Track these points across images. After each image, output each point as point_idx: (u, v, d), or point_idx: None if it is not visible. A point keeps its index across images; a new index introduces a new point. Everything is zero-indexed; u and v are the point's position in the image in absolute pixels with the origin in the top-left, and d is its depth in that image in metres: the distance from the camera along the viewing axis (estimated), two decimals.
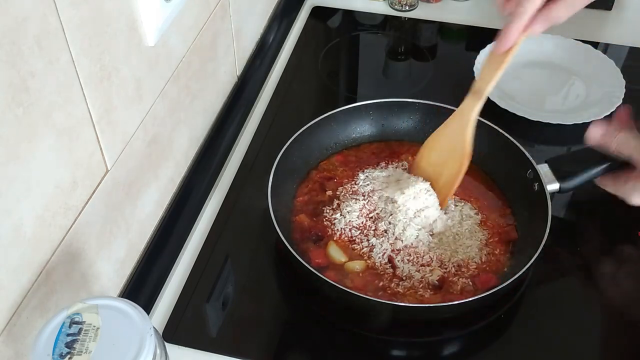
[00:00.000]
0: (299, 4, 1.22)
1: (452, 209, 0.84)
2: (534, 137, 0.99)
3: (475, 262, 0.79)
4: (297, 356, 0.77)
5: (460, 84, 1.07)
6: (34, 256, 0.57)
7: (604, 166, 0.81)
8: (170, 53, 0.76)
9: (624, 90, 1.01)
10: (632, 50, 1.13)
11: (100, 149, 0.64)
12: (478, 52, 1.07)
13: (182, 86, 0.80)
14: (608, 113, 0.98)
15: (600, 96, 1.02)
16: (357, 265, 0.78)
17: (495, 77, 0.74)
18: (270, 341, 0.77)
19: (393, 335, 0.75)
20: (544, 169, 0.83)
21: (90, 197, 0.64)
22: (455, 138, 0.81)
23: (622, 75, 1.03)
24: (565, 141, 0.99)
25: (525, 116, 0.98)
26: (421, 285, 0.76)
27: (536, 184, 0.82)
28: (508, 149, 0.86)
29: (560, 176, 0.82)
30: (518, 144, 0.85)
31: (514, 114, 0.98)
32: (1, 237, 0.52)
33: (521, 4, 0.68)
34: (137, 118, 0.71)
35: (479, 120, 0.85)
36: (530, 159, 0.84)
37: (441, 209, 0.83)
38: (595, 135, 0.79)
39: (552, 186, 0.82)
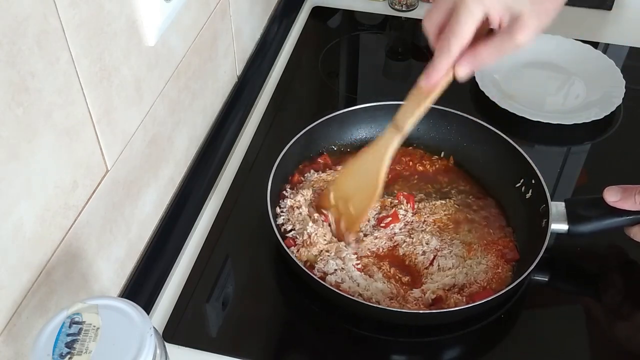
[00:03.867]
0: (299, 4, 1.22)
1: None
2: (534, 138, 0.99)
3: (478, 283, 0.77)
4: (297, 356, 0.77)
5: (460, 84, 1.08)
6: (34, 256, 0.57)
7: (622, 219, 0.77)
8: (170, 53, 0.76)
9: (624, 90, 1.01)
10: (632, 50, 1.13)
11: (100, 149, 0.64)
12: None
13: (182, 86, 0.80)
14: (608, 113, 0.98)
15: (600, 96, 1.02)
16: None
17: (416, 113, 0.70)
18: (270, 341, 0.77)
19: (392, 336, 0.75)
20: (558, 207, 0.79)
21: (90, 197, 0.64)
22: (369, 171, 0.78)
23: (622, 75, 1.03)
24: (565, 141, 0.99)
25: (525, 116, 0.98)
26: (415, 302, 0.76)
27: (544, 221, 0.78)
28: (531, 178, 0.83)
29: (573, 218, 0.78)
30: (541, 178, 0.82)
31: (514, 114, 0.98)
32: (1, 237, 0.52)
33: (447, 39, 0.63)
34: (137, 118, 0.71)
35: (510, 144, 0.86)
36: (548, 195, 0.80)
37: (345, 243, 0.80)
38: (611, 200, 0.76)
39: (560, 226, 0.78)
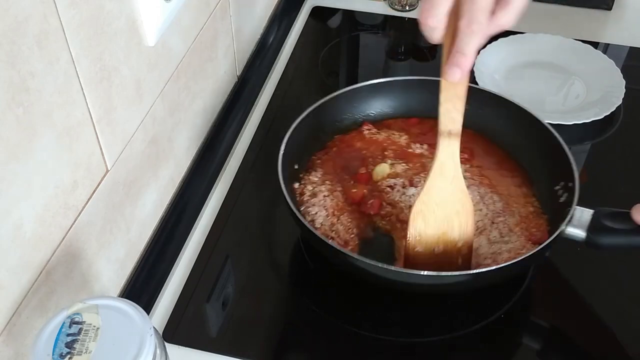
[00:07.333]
0: (299, 4, 1.22)
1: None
2: None
3: (497, 262, 0.76)
4: (297, 356, 0.77)
5: None
6: (34, 256, 0.57)
7: None
8: (170, 53, 0.76)
9: (624, 90, 1.01)
10: (632, 50, 1.13)
11: (100, 149, 0.64)
12: (478, 52, 1.07)
13: (182, 86, 0.80)
14: (608, 113, 0.98)
15: (600, 96, 1.02)
16: None
17: (463, 108, 0.66)
18: (270, 341, 0.77)
19: (392, 336, 0.75)
20: (583, 214, 0.74)
21: (90, 197, 0.64)
22: (451, 197, 0.72)
23: (622, 75, 1.03)
24: (565, 141, 0.99)
25: None
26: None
27: (565, 224, 0.74)
28: (568, 181, 0.80)
29: (596, 228, 0.73)
30: (577, 182, 0.78)
31: None
32: (1, 237, 0.52)
33: (469, 18, 0.58)
34: (137, 118, 0.71)
35: (560, 146, 0.83)
36: (576, 197, 0.75)
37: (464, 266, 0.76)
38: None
39: (577, 232, 0.74)
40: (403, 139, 0.91)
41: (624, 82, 1.02)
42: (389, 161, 0.87)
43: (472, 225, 0.74)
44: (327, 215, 0.81)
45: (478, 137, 0.90)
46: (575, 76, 1.07)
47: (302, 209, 0.81)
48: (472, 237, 0.75)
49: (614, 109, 0.99)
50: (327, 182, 0.85)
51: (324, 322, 0.77)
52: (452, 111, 0.66)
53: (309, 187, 0.84)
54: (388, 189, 0.84)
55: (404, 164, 0.87)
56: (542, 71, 1.08)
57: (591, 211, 0.75)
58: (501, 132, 0.90)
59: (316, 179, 0.86)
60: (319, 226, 0.80)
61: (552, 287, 0.81)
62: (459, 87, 0.64)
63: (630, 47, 1.13)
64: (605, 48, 1.13)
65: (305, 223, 0.75)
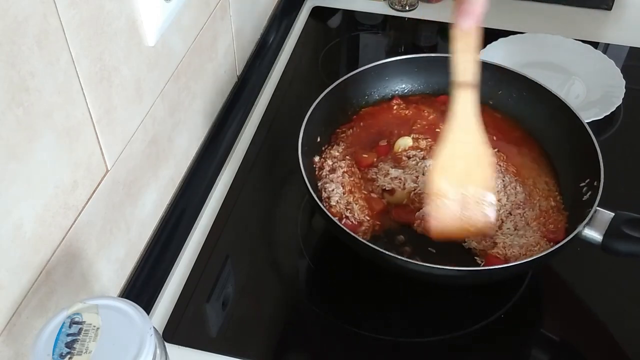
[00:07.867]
0: (299, 4, 1.22)
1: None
2: None
3: (508, 255, 0.75)
4: (297, 356, 0.77)
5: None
6: (34, 256, 0.57)
7: None
8: (170, 53, 0.76)
9: (624, 90, 1.01)
10: (632, 50, 1.12)
11: (100, 149, 0.64)
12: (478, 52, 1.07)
13: (182, 86, 0.80)
14: (608, 113, 0.98)
15: (600, 96, 1.02)
16: None
17: (474, 59, 0.66)
18: (270, 341, 0.77)
19: (392, 336, 0.75)
20: (603, 216, 0.73)
21: (90, 197, 0.64)
22: (469, 145, 0.72)
23: (622, 75, 1.03)
24: None
25: None
26: None
27: (583, 226, 0.73)
28: (594, 180, 0.78)
29: (613, 234, 0.71)
30: (602, 183, 0.76)
31: None
32: (1, 237, 0.52)
33: None
34: (137, 118, 0.71)
35: (591, 142, 0.80)
36: (598, 197, 0.74)
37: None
38: None
39: (594, 234, 0.72)
40: (432, 117, 0.91)
41: (624, 82, 1.02)
42: (413, 135, 0.88)
43: (493, 176, 0.74)
44: (344, 193, 0.80)
45: (510, 121, 0.91)
46: (575, 76, 1.07)
47: (319, 184, 0.82)
48: (494, 187, 0.75)
49: (614, 109, 0.99)
50: (348, 157, 0.85)
51: (324, 322, 0.77)
52: (465, 61, 0.68)
53: (329, 162, 0.84)
54: (405, 158, 0.85)
55: (428, 139, 0.87)
56: (542, 71, 1.08)
57: (611, 214, 0.73)
58: (534, 121, 0.90)
59: (337, 153, 0.86)
60: (334, 204, 0.79)
61: (552, 288, 0.81)
62: (470, 37, 0.65)
63: (630, 47, 1.13)
64: (605, 48, 1.13)
65: (319, 202, 0.75)
